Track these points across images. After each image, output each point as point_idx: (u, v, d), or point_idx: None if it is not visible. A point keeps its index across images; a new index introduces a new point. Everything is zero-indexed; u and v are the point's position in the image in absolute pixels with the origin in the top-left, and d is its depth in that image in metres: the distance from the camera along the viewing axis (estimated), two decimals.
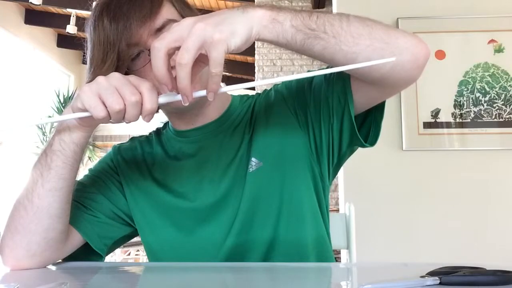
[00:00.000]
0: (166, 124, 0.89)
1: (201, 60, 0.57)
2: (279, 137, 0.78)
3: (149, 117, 0.60)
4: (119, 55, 0.69)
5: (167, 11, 0.72)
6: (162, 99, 0.60)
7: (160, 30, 0.70)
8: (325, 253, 0.81)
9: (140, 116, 0.61)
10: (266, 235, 0.76)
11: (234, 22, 0.56)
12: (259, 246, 0.76)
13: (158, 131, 0.90)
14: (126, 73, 0.65)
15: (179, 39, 0.54)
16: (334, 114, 0.75)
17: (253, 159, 0.77)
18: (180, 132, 0.83)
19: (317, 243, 0.79)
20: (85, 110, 0.60)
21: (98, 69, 0.68)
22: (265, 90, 0.86)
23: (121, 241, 0.85)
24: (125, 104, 0.58)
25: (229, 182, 0.77)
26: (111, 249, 0.84)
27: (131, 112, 0.59)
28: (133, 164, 0.85)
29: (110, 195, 0.82)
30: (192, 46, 0.53)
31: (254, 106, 0.83)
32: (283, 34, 0.59)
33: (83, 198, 0.79)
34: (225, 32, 0.54)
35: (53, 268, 0.72)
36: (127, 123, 0.61)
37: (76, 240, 0.77)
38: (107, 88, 0.59)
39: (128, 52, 0.69)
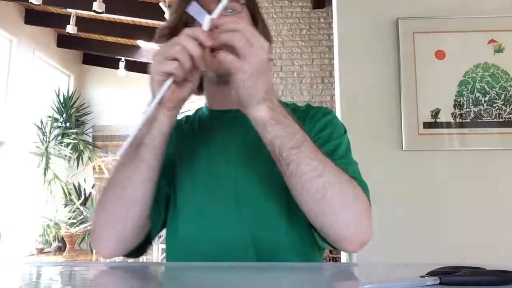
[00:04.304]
0: (197, 110, 0.94)
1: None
2: None
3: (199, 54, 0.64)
4: (186, 12, 0.76)
5: None
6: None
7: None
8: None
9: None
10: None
11: (262, 88, 0.64)
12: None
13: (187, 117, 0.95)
14: None
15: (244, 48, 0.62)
16: None
17: None
18: (214, 111, 0.89)
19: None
20: (162, 84, 0.66)
21: (171, 15, 0.83)
22: (309, 105, 0.92)
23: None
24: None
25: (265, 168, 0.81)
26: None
27: (189, 45, 0.64)
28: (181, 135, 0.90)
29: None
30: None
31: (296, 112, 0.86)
32: (263, 135, 0.67)
33: None
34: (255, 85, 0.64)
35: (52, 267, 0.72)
36: (199, 69, 0.67)
37: (148, 228, 0.80)
38: (163, 51, 0.65)
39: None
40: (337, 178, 0.68)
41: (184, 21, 0.79)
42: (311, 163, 0.66)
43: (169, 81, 0.65)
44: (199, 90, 0.92)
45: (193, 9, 0.66)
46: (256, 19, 0.87)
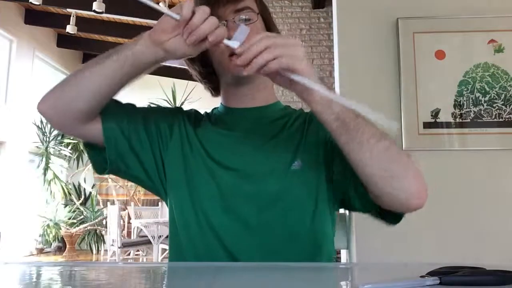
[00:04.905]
0: (213, 109, 1.01)
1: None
2: (316, 156, 0.88)
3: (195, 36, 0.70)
4: None
5: (250, 1, 0.90)
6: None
7: (239, 10, 0.87)
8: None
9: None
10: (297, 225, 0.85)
11: (314, 72, 0.72)
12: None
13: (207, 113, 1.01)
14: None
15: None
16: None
17: (298, 160, 0.87)
18: (230, 108, 0.95)
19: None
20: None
21: None
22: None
23: (122, 174, 0.92)
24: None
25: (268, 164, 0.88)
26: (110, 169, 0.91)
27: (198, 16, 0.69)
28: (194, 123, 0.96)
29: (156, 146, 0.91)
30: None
31: (305, 116, 0.95)
32: (330, 112, 0.72)
33: (141, 124, 0.90)
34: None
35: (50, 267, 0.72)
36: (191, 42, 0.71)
37: (97, 130, 0.86)
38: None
39: None
40: (391, 140, 0.75)
41: None
42: (372, 128, 0.73)
43: (173, 14, 0.70)
44: (215, 91, 1.00)
45: (243, 28, 0.71)
46: (270, 27, 0.94)
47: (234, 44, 0.70)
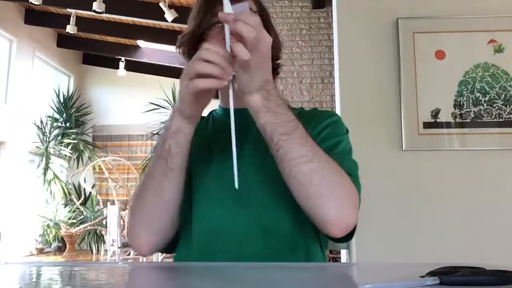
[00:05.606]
0: (211, 111, 1.01)
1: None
2: None
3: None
4: (204, 19, 0.87)
5: (249, 2, 0.86)
6: None
7: None
8: None
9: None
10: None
11: (258, 79, 0.70)
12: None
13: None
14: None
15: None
16: None
17: None
18: (226, 109, 0.93)
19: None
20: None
21: (190, 22, 0.90)
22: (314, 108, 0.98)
23: None
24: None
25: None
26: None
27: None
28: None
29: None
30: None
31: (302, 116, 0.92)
32: (256, 121, 0.73)
33: None
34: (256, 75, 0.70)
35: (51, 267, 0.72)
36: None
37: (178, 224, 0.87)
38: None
39: (211, 20, 0.86)
40: (325, 165, 0.72)
41: (202, 28, 0.87)
42: (300, 150, 0.71)
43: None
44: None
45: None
46: (268, 29, 0.92)
47: (229, 9, 0.67)
